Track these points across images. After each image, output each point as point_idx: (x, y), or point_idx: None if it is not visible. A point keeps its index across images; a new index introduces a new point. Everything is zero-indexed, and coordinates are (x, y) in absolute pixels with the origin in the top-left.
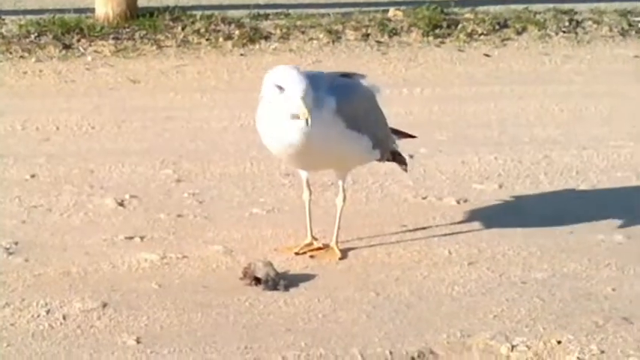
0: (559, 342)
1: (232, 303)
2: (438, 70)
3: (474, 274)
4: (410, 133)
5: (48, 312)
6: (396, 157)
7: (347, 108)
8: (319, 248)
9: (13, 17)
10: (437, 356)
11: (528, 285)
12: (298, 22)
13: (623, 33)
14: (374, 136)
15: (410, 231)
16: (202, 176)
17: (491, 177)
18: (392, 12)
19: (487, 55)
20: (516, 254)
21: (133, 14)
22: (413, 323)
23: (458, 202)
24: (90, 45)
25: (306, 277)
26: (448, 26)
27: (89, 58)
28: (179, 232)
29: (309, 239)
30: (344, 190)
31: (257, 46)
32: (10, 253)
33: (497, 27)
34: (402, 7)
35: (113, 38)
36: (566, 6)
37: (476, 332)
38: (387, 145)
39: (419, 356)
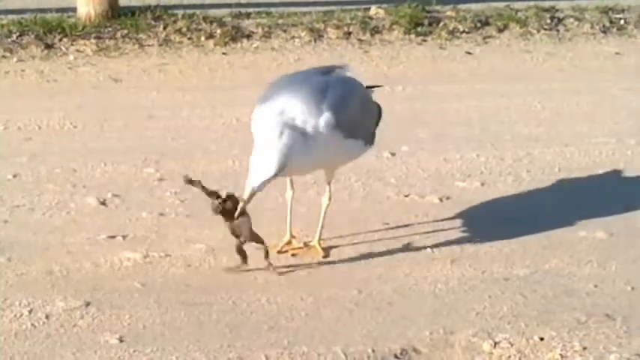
0: (541, 338)
1: (215, 301)
2: (420, 67)
3: (457, 271)
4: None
5: (30, 311)
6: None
7: (344, 119)
8: (300, 247)
9: None
10: (419, 353)
11: (510, 282)
12: (280, 21)
13: (605, 30)
14: (367, 131)
15: (392, 229)
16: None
17: (473, 174)
18: (373, 10)
19: (469, 53)
20: (498, 251)
21: (115, 13)
22: (395, 321)
23: (440, 200)
24: (72, 44)
25: (289, 276)
26: (430, 24)
27: (71, 58)
28: (161, 230)
29: (287, 237)
30: (330, 189)
31: (239, 45)
32: None
33: (478, 25)
34: (384, 5)
35: (95, 37)
36: (548, 3)
37: (458, 329)
38: (374, 128)
39: (401, 353)
